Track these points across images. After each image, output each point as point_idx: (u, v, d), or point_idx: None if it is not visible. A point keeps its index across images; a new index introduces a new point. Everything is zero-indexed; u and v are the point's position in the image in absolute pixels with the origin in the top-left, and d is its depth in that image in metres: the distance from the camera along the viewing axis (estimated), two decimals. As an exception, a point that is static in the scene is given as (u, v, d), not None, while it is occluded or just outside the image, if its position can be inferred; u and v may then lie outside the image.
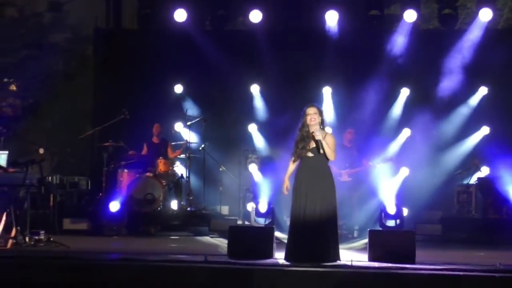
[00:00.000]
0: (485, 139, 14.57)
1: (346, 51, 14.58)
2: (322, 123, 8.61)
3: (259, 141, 14.99)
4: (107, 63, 15.48)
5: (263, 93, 15.25)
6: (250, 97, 15.28)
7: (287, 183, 8.74)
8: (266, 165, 14.11)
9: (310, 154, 8.55)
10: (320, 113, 8.62)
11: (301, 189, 8.47)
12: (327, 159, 8.52)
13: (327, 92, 14.98)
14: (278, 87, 14.67)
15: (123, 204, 12.57)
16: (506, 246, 11.22)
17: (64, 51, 15.68)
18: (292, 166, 8.75)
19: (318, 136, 8.42)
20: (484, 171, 13.71)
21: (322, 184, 8.45)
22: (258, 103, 15.30)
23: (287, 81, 14.68)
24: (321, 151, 8.42)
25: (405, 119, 14.73)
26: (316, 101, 14.07)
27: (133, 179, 13.22)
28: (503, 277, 7.38)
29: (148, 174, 13.33)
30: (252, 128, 14.98)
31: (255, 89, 15.22)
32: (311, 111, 8.59)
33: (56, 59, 15.75)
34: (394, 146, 14.35)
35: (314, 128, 8.47)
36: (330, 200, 8.46)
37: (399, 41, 14.78)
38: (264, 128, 15.04)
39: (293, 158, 8.71)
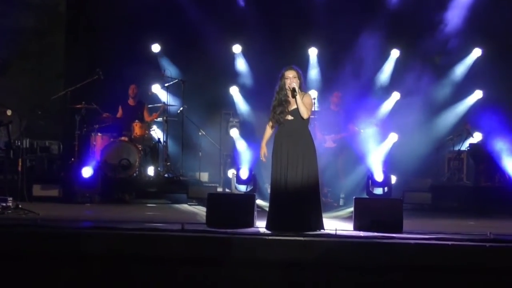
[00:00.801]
0: (478, 103, 14.60)
1: (334, 10, 14.49)
2: (301, 87, 8.55)
3: (241, 104, 14.94)
4: (81, 20, 15.32)
5: (245, 54, 15.16)
6: (231, 58, 15.19)
7: (264, 149, 8.70)
8: (248, 129, 14.08)
9: (289, 117, 8.51)
10: (299, 76, 8.56)
11: (281, 154, 8.43)
12: (306, 121, 8.49)
13: (313, 53, 14.92)
14: (262, 48, 14.56)
15: (96, 170, 12.50)
16: (497, 215, 11.33)
17: (35, 6, 15.42)
18: (269, 131, 8.70)
19: (293, 84, 8.40)
20: (476, 137, 13.76)
21: (302, 149, 8.42)
22: (240, 64, 15.22)
23: (271, 41, 14.57)
24: (296, 100, 8.39)
25: (395, 82, 14.73)
26: (302, 62, 14.20)
27: (107, 144, 13.15)
28: (493, 246, 7.41)
29: (123, 138, 13.28)
30: (234, 91, 14.90)
31: (237, 49, 15.12)
32: (290, 74, 8.52)
33: (26, 15, 15.50)
34: (383, 110, 14.36)
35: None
36: (311, 166, 8.44)
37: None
38: (246, 91, 14.98)
39: (270, 123, 8.67)
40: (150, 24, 14.82)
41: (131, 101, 13.88)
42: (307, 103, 8.48)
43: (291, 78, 8.49)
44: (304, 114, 8.42)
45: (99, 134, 13.32)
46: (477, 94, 14.60)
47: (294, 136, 8.47)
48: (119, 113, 13.80)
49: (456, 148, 14.01)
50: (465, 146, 13.88)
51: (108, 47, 14.74)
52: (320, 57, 14.92)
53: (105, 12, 15.01)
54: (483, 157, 13.02)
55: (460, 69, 14.88)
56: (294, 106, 8.48)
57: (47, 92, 14.20)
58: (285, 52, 14.33)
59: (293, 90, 8.41)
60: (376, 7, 14.73)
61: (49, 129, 14.16)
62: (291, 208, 8.30)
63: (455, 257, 7.38)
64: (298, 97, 8.39)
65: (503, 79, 14.08)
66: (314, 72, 14.87)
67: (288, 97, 8.50)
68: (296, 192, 8.30)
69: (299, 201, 8.31)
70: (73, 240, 7.76)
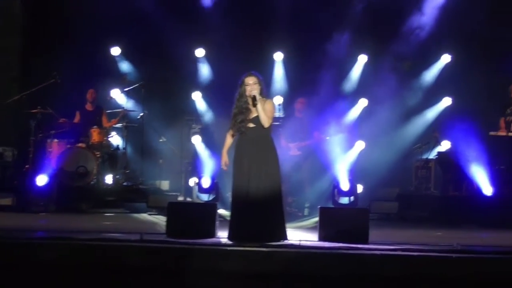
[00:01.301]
0: (447, 111, 14.73)
1: (300, 13, 14.57)
2: (262, 93, 8.57)
3: (203, 110, 14.92)
4: (37, 21, 15.18)
5: (209, 58, 15.16)
6: (194, 62, 15.17)
7: (225, 158, 8.73)
8: (210, 136, 14.06)
9: (250, 125, 8.55)
10: (260, 82, 8.58)
11: (243, 162, 8.47)
12: (268, 128, 8.53)
13: (278, 57, 14.97)
14: (226, 51, 14.54)
15: (52, 178, 12.41)
16: (465, 225, 11.44)
17: (-11, 7, 15.32)
18: (230, 140, 8.74)
19: (253, 91, 8.42)
20: (445, 145, 13.87)
21: (265, 157, 8.46)
22: (204, 68, 15.20)
23: (235, 45, 14.57)
24: (257, 109, 8.41)
25: (363, 88, 14.81)
26: (267, 67, 14.24)
27: (64, 150, 13.09)
28: (460, 257, 7.50)
29: (80, 144, 13.22)
30: (196, 96, 14.89)
31: (200, 52, 15.11)
32: (250, 80, 8.55)
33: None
34: (350, 117, 14.45)
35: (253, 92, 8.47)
36: (274, 175, 8.48)
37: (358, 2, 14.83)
38: (209, 96, 14.94)
39: (231, 132, 8.70)
40: (110, 26, 14.70)
41: (89, 106, 13.83)
42: (268, 110, 8.51)
43: (251, 85, 8.51)
44: (265, 122, 8.45)
45: (55, 140, 13.25)
46: (446, 101, 14.74)
47: (256, 144, 8.49)
48: (76, 118, 13.74)
49: (424, 157, 14.11)
50: (433, 154, 13.99)
51: (65, 49, 14.59)
52: (285, 61, 14.97)
53: (62, 14, 14.91)
54: (451, 166, 13.11)
55: (429, 75, 15.00)
56: (255, 114, 8.50)
57: (1, 96, 14.08)
58: (249, 56, 14.31)
59: (254, 99, 8.44)
60: (344, 11, 14.79)
61: (2, 134, 14.03)
62: (254, 218, 8.31)
63: (422, 268, 7.46)
64: (259, 105, 8.42)
65: (472, 86, 14.10)
66: (279, 78, 14.91)
67: (249, 104, 8.52)
68: (259, 202, 8.33)
69: (261, 211, 8.33)
70: (26, 251, 7.70)
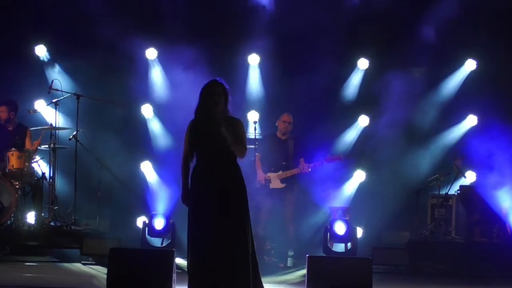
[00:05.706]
0: (472, 132, 14.80)
1: (285, 4, 14.67)
2: (227, 108, 8.51)
3: (156, 128, 14.93)
4: None
5: (162, 61, 15.17)
6: (144, 66, 15.19)
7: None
8: (165, 163, 14.08)
9: (213, 149, 8.48)
10: (226, 93, 8.55)
11: (202, 198, 8.42)
12: (235, 153, 8.53)
13: (254, 61, 15.00)
14: (184, 53, 14.54)
15: (-44, 216, 12.42)
16: (496, 281, 11.50)
17: None
18: (187, 168, 8.63)
19: (224, 131, 8.32)
20: (469, 177, 13.94)
21: (229, 190, 8.39)
22: (156, 74, 15.22)
23: (197, 43, 14.57)
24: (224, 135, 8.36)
25: (363, 102, 14.88)
26: (238, 74, 14.28)
27: (-28, 180, 13.07)
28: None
29: (-6, 172, 13.20)
30: (147, 110, 14.90)
31: (151, 54, 15.13)
32: (214, 89, 8.51)
33: None
34: (347, 140, 14.51)
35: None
36: (241, 213, 8.42)
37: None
38: (163, 111, 14.95)
39: (188, 157, 8.62)
40: (34, 18, 14.74)
41: (7, 126, 13.77)
42: (240, 133, 8.43)
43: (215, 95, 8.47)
44: (241, 151, 8.38)
45: (-41, 166, 13.25)
46: (471, 120, 14.83)
47: (218, 174, 8.42)
48: (-12, 138, 13.73)
49: (443, 192, 14.16)
50: (454, 189, 14.05)
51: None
52: (263, 67, 15.00)
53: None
54: (478, 204, 13.17)
55: (449, 87, 15.08)
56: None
57: None
58: (215, 59, 14.36)
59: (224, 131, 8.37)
60: (340, 5, 14.87)
61: None
62: (219, 270, 8.25)
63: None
64: (223, 129, 8.33)
65: (504, 100, 14.24)
66: (255, 87, 14.95)
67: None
68: (224, 249, 8.26)
69: (228, 261, 8.26)
70: None
